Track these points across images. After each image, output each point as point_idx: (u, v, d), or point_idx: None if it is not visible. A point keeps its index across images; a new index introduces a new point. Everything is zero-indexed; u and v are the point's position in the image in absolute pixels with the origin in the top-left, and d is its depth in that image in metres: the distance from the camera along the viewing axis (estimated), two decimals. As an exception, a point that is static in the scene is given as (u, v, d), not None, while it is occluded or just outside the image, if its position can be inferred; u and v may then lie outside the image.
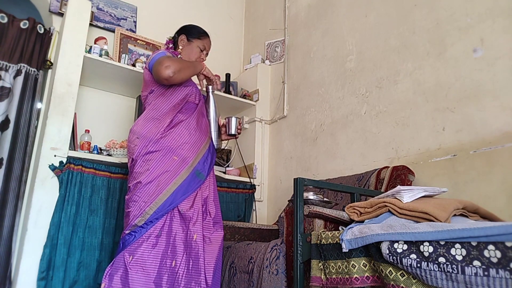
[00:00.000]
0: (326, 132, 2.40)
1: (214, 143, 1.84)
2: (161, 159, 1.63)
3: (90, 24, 2.50)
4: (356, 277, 1.11)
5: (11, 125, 2.24)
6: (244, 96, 2.98)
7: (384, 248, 1.01)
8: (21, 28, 2.37)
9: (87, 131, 2.36)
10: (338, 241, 1.18)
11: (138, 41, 2.81)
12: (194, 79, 1.92)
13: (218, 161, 2.88)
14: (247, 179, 2.77)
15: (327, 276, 1.21)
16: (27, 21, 2.39)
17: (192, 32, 1.94)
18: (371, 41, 2.19)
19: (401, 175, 1.71)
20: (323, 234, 1.26)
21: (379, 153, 2.02)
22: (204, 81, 1.94)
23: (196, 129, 1.75)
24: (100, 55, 2.35)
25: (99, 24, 2.70)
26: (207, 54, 1.98)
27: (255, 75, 3.03)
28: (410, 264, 0.95)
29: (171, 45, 1.97)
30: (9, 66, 2.31)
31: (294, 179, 1.40)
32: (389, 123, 1.99)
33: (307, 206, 1.42)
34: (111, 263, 1.51)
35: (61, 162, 2.05)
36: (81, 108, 2.52)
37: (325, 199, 1.55)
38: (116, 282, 1.47)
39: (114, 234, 2.17)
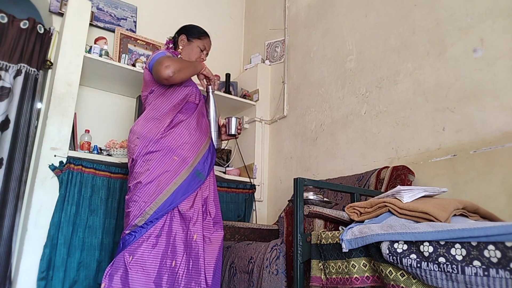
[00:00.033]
0: (326, 132, 2.40)
1: (214, 143, 1.84)
2: (161, 159, 1.63)
3: (90, 24, 2.50)
4: (356, 277, 1.11)
5: (11, 125, 2.24)
6: (244, 96, 2.98)
7: (384, 248, 1.01)
8: (21, 28, 2.37)
9: (87, 131, 2.36)
10: (338, 241, 1.18)
11: (138, 41, 2.81)
12: (195, 79, 1.92)
13: (218, 161, 2.88)
14: (247, 179, 2.77)
15: (327, 276, 1.21)
16: (27, 21, 2.39)
17: (192, 32, 1.94)
18: (371, 41, 2.19)
19: (401, 175, 1.71)
20: (323, 234, 1.26)
21: (379, 153, 2.02)
22: (205, 80, 1.94)
23: (196, 129, 1.75)
24: (100, 55, 2.35)
25: (99, 24, 2.70)
26: (207, 54, 1.98)
27: (255, 75, 3.03)
28: (410, 264, 0.95)
29: (171, 45, 1.97)
30: (9, 66, 2.31)
31: (294, 179, 1.40)
32: (389, 123, 1.99)
33: (307, 206, 1.42)
34: (111, 263, 1.51)
35: (61, 162, 2.05)
36: (81, 108, 2.52)
37: (325, 199, 1.55)
38: (116, 282, 1.47)
39: (114, 234, 2.17)
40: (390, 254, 0.99)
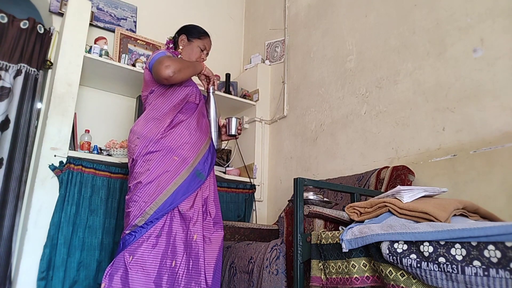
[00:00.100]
0: (326, 132, 2.40)
1: (214, 143, 1.84)
2: (161, 159, 1.63)
3: (90, 24, 2.50)
4: (356, 277, 1.11)
5: (11, 125, 2.24)
6: (244, 96, 2.98)
7: (384, 248, 1.01)
8: (21, 28, 2.37)
9: (87, 131, 2.36)
10: (338, 241, 1.18)
11: (138, 41, 2.81)
12: (195, 79, 1.92)
13: (218, 161, 2.88)
14: (247, 179, 2.77)
15: (327, 276, 1.21)
16: (27, 21, 2.39)
17: (192, 32, 1.94)
18: (371, 41, 2.19)
19: (401, 175, 1.71)
20: (323, 234, 1.26)
21: (379, 153, 2.02)
22: (205, 80, 1.94)
23: (196, 129, 1.75)
24: (100, 55, 2.35)
25: (99, 24, 2.70)
26: (207, 54, 1.98)
27: (255, 75, 3.03)
28: (410, 264, 0.95)
29: (171, 45, 1.97)
30: (9, 66, 2.31)
31: (294, 179, 1.40)
32: (389, 123, 1.99)
33: (307, 206, 1.42)
34: (111, 263, 1.51)
35: (61, 162, 2.05)
36: (81, 108, 2.52)
37: (325, 199, 1.55)
38: (116, 282, 1.47)
39: (114, 234, 2.17)
40: (390, 254, 0.99)
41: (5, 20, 2.34)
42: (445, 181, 1.65)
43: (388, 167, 1.83)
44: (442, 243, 0.92)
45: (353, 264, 1.12)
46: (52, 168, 2.02)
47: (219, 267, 1.65)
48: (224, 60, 3.31)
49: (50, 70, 2.45)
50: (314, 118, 2.51)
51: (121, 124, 2.68)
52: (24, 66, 2.33)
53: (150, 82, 1.77)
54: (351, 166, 2.17)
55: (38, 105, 2.40)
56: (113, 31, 2.74)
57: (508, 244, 0.81)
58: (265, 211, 2.80)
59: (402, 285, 0.98)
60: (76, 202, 2.06)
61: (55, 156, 2.04)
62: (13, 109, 2.26)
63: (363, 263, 1.11)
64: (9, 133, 2.22)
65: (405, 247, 0.98)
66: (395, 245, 1.00)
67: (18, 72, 2.31)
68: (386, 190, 1.69)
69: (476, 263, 0.84)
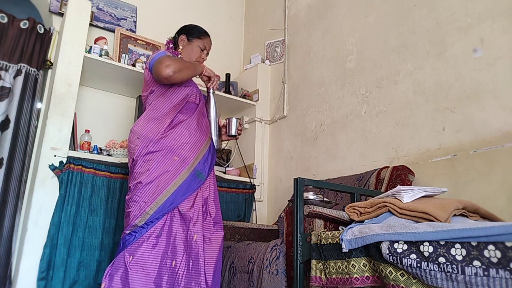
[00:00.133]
0: (326, 132, 2.40)
1: (214, 144, 1.84)
2: (161, 159, 1.63)
3: (90, 24, 2.50)
4: (356, 277, 1.11)
5: (11, 125, 2.24)
6: (244, 96, 2.98)
7: (384, 248, 1.01)
8: (21, 28, 2.37)
9: (87, 131, 2.36)
10: (338, 241, 1.18)
11: (138, 41, 2.81)
12: (195, 79, 1.92)
13: (218, 161, 2.88)
14: (247, 179, 2.77)
15: (327, 276, 1.21)
16: (27, 21, 2.39)
17: (192, 32, 1.94)
18: (371, 41, 2.19)
19: (401, 175, 1.71)
20: (323, 234, 1.26)
21: (379, 153, 2.02)
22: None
23: (196, 129, 1.75)
24: (100, 55, 2.35)
25: (99, 24, 2.70)
26: (207, 53, 1.98)
27: (255, 75, 3.03)
28: (410, 264, 0.95)
29: (171, 45, 1.97)
30: (9, 66, 2.31)
31: (294, 179, 1.40)
32: (389, 123, 1.99)
33: (307, 206, 1.42)
34: (111, 263, 1.51)
35: (61, 162, 2.05)
36: (81, 108, 2.52)
37: (325, 199, 1.55)
38: (116, 282, 1.47)
39: (114, 234, 2.17)
40: (390, 254, 0.99)
41: (5, 20, 2.34)
42: (445, 181, 1.65)
43: (388, 167, 1.83)
44: (442, 243, 0.92)
45: (353, 264, 1.12)
46: (52, 168, 2.02)
47: (219, 267, 1.65)
48: (224, 60, 3.31)
49: (50, 70, 2.45)
50: (314, 118, 2.51)
51: (121, 124, 2.68)
52: (24, 66, 2.33)
53: (150, 82, 1.77)
54: (351, 166, 2.17)
55: (38, 105, 2.40)
56: (113, 31, 2.74)
57: (508, 244, 0.81)
58: (265, 211, 2.80)
59: (402, 285, 0.98)
60: (76, 202, 2.06)
61: (55, 156, 2.04)
62: (13, 109, 2.26)
63: (363, 263, 1.11)
64: (9, 133, 2.22)
65: (405, 247, 0.98)
66: (395, 245, 1.00)
67: (18, 72, 2.31)
68: (386, 190, 1.69)
69: (476, 263, 0.84)
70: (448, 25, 1.78)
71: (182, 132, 1.70)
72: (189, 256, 1.57)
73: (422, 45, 1.89)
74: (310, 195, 1.52)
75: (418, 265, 0.93)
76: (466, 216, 1.22)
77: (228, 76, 2.99)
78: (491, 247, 0.83)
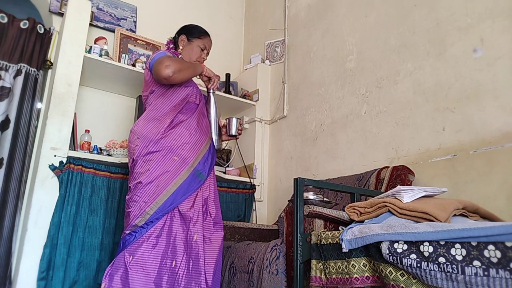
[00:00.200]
0: (326, 132, 2.40)
1: (214, 144, 1.84)
2: (161, 159, 1.63)
3: (90, 24, 2.50)
4: (356, 277, 1.11)
5: (11, 125, 2.24)
6: (244, 96, 2.98)
7: (384, 248, 1.01)
8: (21, 28, 2.37)
9: (87, 131, 2.36)
10: (338, 241, 1.18)
11: (138, 41, 2.81)
12: (195, 79, 1.92)
13: (218, 161, 2.88)
14: (247, 179, 2.77)
15: (327, 276, 1.21)
16: (27, 21, 2.39)
17: (192, 32, 1.94)
18: (371, 41, 2.19)
19: (401, 175, 1.71)
20: (323, 234, 1.26)
21: (379, 153, 2.02)
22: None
23: (196, 129, 1.75)
24: (100, 55, 2.35)
25: (99, 24, 2.70)
26: (207, 53, 1.98)
27: (255, 75, 3.03)
28: (410, 264, 0.95)
29: (171, 46, 1.97)
30: (9, 66, 2.31)
31: (294, 179, 1.40)
32: (389, 123, 1.99)
33: (307, 206, 1.42)
34: (111, 263, 1.51)
35: (61, 162, 2.05)
36: (81, 108, 2.52)
37: (325, 199, 1.55)
38: (116, 282, 1.47)
39: (114, 234, 2.17)
40: (390, 254, 0.99)
41: (5, 20, 2.34)
42: (445, 181, 1.65)
43: (388, 167, 1.83)
44: (442, 243, 0.92)
45: (353, 264, 1.12)
46: (52, 168, 2.02)
47: (219, 267, 1.65)
48: (224, 60, 3.31)
49: (50, 70, 2.45)
50: (314, 118, 2.51)
51: (121, 124, 2.68)
52: (24, 66, 2.33)
53: (150, 82, 1.77)
54: (351, 166, 2.17)
55: (38, 105, 2.40)
56: (113, 31, 2.74)
57: (508, 244, 0.81)
58: (265, 211, 2.80)
59: (402, 285, 0.98)
60: (76, 202, 2.07)
61: (55, 156, 2.04)
62: (13, 109, 2.26)
63: (363, 263, 1.11)
64: (9, 133, 2.22)
65: (405, 247, 0.98)
66: (395, 245, 1.00)
67: (18, 72, 2.31)
68: (386, 190, 1.69)
69: (476, 263, 0.84)
70: (448, 25, 1.78)
71: (182, 132, 1.70)
72: (189, 256, 1.57)
73: (422, 45, 1.89)
74: (310, 195, 1.52)
75: (418, 265, 0.93)
76: (466, 216, 1.22)
77: (228, 76, 2.99)
78: (491, 247, 0.83)
